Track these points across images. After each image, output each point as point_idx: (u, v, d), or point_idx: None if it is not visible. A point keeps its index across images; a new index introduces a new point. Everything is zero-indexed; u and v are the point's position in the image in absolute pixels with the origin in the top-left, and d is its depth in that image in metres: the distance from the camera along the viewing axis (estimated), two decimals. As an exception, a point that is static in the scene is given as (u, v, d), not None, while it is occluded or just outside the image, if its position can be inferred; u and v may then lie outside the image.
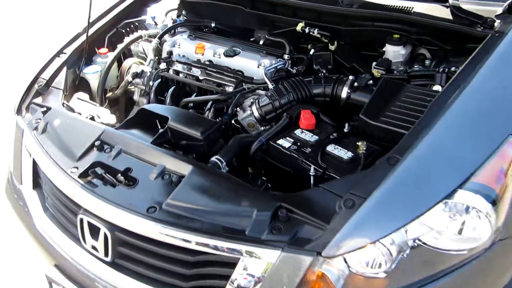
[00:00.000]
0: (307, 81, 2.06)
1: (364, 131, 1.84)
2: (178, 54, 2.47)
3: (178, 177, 1.61)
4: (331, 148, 1.76)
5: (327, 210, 1.41)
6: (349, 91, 1.99)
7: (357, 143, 1.75)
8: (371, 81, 1.99)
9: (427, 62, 2.18)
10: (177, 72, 2.44)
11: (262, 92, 2.17)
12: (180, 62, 2.38)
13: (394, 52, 2.28)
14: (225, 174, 1.64)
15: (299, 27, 2.45)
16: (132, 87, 2.46)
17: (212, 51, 2.43)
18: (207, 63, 2.38)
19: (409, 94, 1.87)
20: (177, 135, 1.85)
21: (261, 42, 2.72)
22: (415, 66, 2.16)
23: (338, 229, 1.35)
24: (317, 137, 1.82)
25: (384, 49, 2.31)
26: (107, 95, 2.46)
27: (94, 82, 2.45)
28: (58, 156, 1.81)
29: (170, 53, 2.48)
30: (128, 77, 2.35)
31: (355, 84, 1.97)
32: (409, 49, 2.28)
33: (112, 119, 2.06)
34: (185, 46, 2.52)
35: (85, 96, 2.30)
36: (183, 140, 1.85)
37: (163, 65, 2.48)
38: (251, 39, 2.66)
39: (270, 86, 2.08)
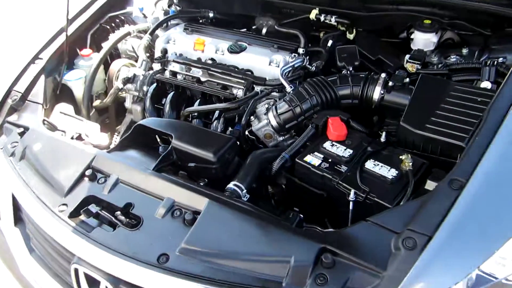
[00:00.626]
0: (331, 81, 1.76)
1: (405, 141, 1.56)
2: (175, 52, 2.15)
3: (192, 213, 1.33)
4: (370, 164, 1.48)
5: (381, 252, 1.15)
6: (382, 92, 1.70)
7: (400, 156, 1.47)
8: (407, 79, 1.71)
9: (464, 51, 1.89)
10: (174, 74, 2.13)
11: (277, 95, 1.88)
12: (177, 62, 2.06)
13: (425, 40, 1.98)
14: (250, 207, 1.35)
15: (313, 15, 2.14)
16: (123, 93, 2.14)
17: (214, 47, 2.12)
18: (210, 62, 2.06)
19: (455, 94, 1.59)
20: (184, 156, 1.56)
21: (264, 31, 2.42)
22: (452, 57, 1.88)
23: (400, 277, 1.09)
24: (351, 151, 1.54)
25: (412, 36, 2.03)
26: (94, 104, 2.14)
27: (78, 90, 2.12)
28: (42, 189, 1.51)
29: (165, 51, 2.15)
30: (118, 83, 2.03)
31: (390, 83, 1.68)
32: (439, 35, 2.00)
33: (103, 138, 1.75)
34: (181, 42, 2.19)
35: (69, 108, 1.98)
36: (192, 163, 1.56)
37: (156, 66, 2.17)
38: (253, 27, 2.36)
39: (288, 88, 1.78)
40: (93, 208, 1.38)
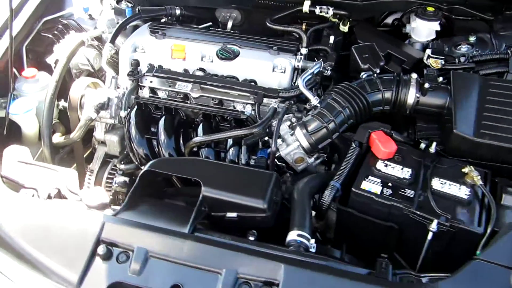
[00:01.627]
0: (360, 87, 1.55)
1: (459, 149, 1.43)
2: (149, 64, 1.74)
3: (266, 285, 1.05)
4: (437, 184, 1.32)
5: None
6: (418, 95, 1.54)
7: (463, 169, 1.34)
8: (441, 78, 1.56)
9: (471, 38, 1.80)
10: (153, 91, 1.73)
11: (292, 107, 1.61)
12: (158, 76, 1.67)
13: (428, 30, 1.86)
14: (329, 262, 1.11)
15: (306, 7, 1.89)
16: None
17: (199, 54, 1.76)
18: (199, 72, 1.70)
19: (495, 91, 1.49)
20: (221, 206, 1.24)
21: (229, 25, 2.11)
22: (463, 47, 1.78)
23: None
24: (409, 170, 1.36)
25: (413, 25, 1.89)
26: (56, 141, 1.66)
27: (28, 125, 1.62)
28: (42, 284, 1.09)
29: (137, 64, 1.73)
30: (90, 112, 1.58)
31: (426, 85, 1.52)
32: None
33: (101, 194, 1.32)
34: (153, 50, 1.79)
35: (24, 151, 1.49)
36: (232, 212, 1.25)
37: (126, 82, 1.74)
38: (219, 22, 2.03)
39: (314, 101, 1.53)
40: (128, 302, 1.03)
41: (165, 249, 1.12)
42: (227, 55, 1.74)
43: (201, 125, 1.59)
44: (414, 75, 1.57)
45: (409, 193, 1.30)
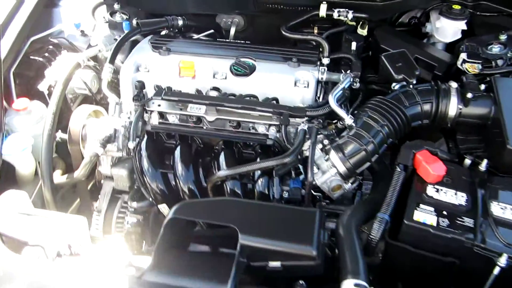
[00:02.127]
0: (396, 100, 1.40)
1: (512, 166, 1.30)
2: (156, 85, 1.56)
3: None
4: (496, 209, 1.18)
5: None
6: (460, 106, 1.40)
7: (522, 190, 1.21)
8: (482, 85, 1.42)
9: (502, 37, 1.66)
10: (161, 115, 1.55)
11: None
12: (169, 100, 1.49)
13: (455, 29, 1.73)
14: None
15: (323, 11, 1.73)
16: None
17: (211, 70, 1.58)
18: (214, 92, 1.53)
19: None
20: (262, 255, 1.08)
21: (232, 32, 1.94)
22: (494, 47, 1.64)
23: None
24: (464, 195, 1.22)
25: (437, 25, 1.75)
26: (57, 181, 1.47)
27: (24, 165, 1.43)
28: None
29: (142, 86, 1.55)
30: (96, 148, 1.39)
31: (469, 94, 1.38)
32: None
33: (126, 252, 1.14)
34: (157, 69, 1.61)
35: (23, 197, 1.31)
36: (275, 261, 1.09)
37: (129, 107, 1.57)
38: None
39: (348, 120, 1.37)
40: None
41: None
42: (243, 71, 1.57)
43: (222, 154, 1.42)
44: (454, 84, 1.43)
45: (468, 222, 1.17)
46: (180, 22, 1.80)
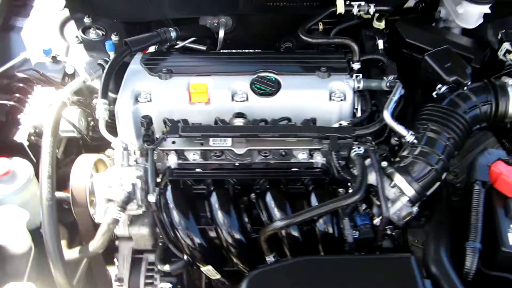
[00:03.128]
0: (453, 106, 1.25)
1: None
2: (166, 118, 1.30)
3: None
4: None
5: None
6: (522, 104, 1.28)
7: None
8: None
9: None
10: (179, 154, 1.30)
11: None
12: (189, 136, 1.24)
13: (479, 14, 1.60)
14: None
15: (341, 8, 1.53)
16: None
17: (228, 92, 1.35)
18: (240, 120, 1.30)
19: None
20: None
21: (221, 34, 1.71)
22: None
23: None
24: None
25: (460, 10, 1.61)
26: (68, 257, 1.18)
27: (18, 245, 1.14)
28: None
29: (150, 123, 1.28)
30: (114, 213, 1.12)
31: (528, 89, 1.26)
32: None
33: None
34: (162, 96, 1.35)
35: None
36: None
37: (133, 147, 1.30)
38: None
39: (410, 137, 1.20)
40: None
41: None
42: (267, 89, 1.35)
43: (269, 195, 1.21)
44: (509, 80, 1.30)
45: None
46: (174, 34, 1.52)
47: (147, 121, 1.26)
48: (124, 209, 1.14)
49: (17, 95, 1.35)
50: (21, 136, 1.28)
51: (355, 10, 1.53)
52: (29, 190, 1.21)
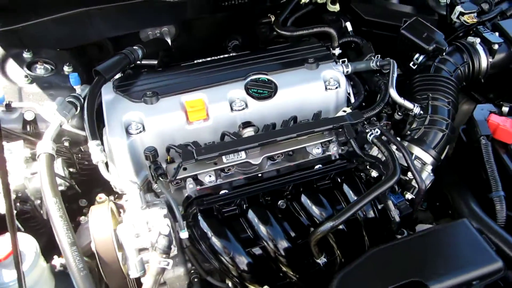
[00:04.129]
0: (440, 72, 1.35)
1: None
2: (171, 145, 1.19)
3: None
4: None
5: None
6: (490, 59, 1.43)
7: None
8: (497, 33, 1.47)
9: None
10: (195, 179, 1.20)
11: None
12: (204, 159, 1.15)
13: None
14: None
15: (304, -6, 1.55)
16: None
17: (226, 103, 1.29)
18: (248, 130, 1.24)
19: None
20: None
21: (169, 41, 1.65)
22: None
23: None
24: None
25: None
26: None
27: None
28: None
29: (155, 154, 1.16)
30: (162, 263, 0.98)
31: (495, 46, 1.41)
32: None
33: None
34: (155, 123, 1.24)
35: None
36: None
37: (136, 182, 1.18)
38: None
39: (416, 109, 1.27)
40: None
41: None
42: (266, 92, 1.32)
43: (303, 197, 1.19)
44: (477, 39, 1.45)
45: None
46: (140, 53, 1.40)
47: (153, 154, 1.16)
48: (169, 254, 1.03)
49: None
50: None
51: (317, -5, 1.57)
52: (38, 267, 1.03)
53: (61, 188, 1.23)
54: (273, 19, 1.70)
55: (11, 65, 1.37)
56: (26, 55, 1.42)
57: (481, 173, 1.27)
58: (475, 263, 0.97)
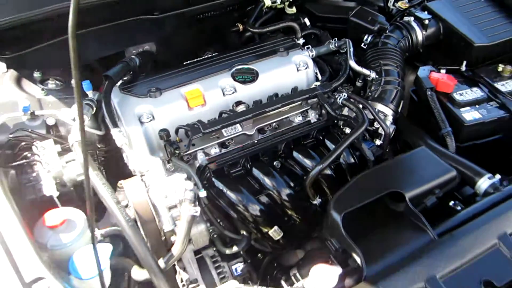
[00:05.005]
0: (385, 44, 1.71)
1: (478, 61, 1.77)
2: (179, 127, 1.44)
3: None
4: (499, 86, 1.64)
5: None
6: (424, 32, 1.79)
7: (498, 70, 1.69)
8: (426, 12, 1.85)
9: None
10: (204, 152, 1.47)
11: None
12: (211, 130, 1.40)
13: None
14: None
15: (267, 2, 1.86)
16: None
17: (218, 89, 1.57)
18: (241, 107, 1.52)
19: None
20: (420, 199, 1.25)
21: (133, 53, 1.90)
22: None
23: None
24: (476, 88, 1.63)
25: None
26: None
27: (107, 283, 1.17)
28: None
29: (168, 134, 1.40)
30: (192, 210, 1.21)
31: (426, 21, 1.78)
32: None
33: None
34: (162, 112, 1.49)
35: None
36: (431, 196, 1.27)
37: (155, 163, 1.42)
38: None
39: (373, 74, 1.61)
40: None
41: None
42: (249, 77, 1.61)
43: (295, 153, 1.48)
44: (411, 18, 1.81)
45: (495, 103, 1.59)
46: (137, 61, 1.66)
47: (166, 133, 1.41)
48: (195, 204, 1.27)
49: (25, 153, 1.34)
50: (49, 189, 1.28)
51: (278, 1, 1.89)
52: (86, 234, 1.24)
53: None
54: (241, 27, 2.02)
55: (27, 82, 1.59)
56: (36, 74, 1.65)
57: (431, 119, 1.60)
58: (435, 175, 1.27)
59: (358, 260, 1.09)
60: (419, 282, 1.05)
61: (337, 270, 1.10)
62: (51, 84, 1.62)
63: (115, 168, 1.62)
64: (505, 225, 1.16)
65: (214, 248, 1.45)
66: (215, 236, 1.46)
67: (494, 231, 1.15)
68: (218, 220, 1.43)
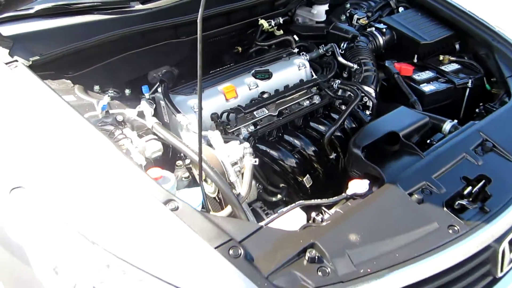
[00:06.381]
0: (357, 46, 2.34)
1: (429, 53, 2.45)
2: (231, 109, 1.94)
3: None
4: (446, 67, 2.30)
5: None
6: (384, 38, 2.45)
7: (440, 59, 2.38)
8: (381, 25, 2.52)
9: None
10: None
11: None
12: (250, 111, 1.93)
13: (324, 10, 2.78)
14: None
15: (266, 25, 2.45)
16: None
17: (246, 86, 2.09)
18: (266, 95, 2.05)
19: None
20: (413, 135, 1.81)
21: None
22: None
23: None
24: (428, 71, 2.29)
25: (314, 12, 2.75)
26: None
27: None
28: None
29: (219, 115, 1.90)
30: (252, 160, 1.67)
31: (384, 29, 2.45)
32: None
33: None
34: (209, 102, 1.97)
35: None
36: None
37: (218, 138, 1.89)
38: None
39: (356, 66, 2.22)
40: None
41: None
42: (266, 75, 2.15)
43: (313, 123, 2.03)
44: (373, 28, 2.47)
45: (443, 79, 2.24)
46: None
47: (216, 115, 1.91)
48: (254, 155, 1.74)
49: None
50: (139, 159, 1.69)
51: (273, 23, 2.48)
52: (175, 187, 1.65)
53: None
54: (240, 49, 2.58)
55: (91, 92, 2.01)
56: (96, 87, 2.07)
57: (399, 96, 2.21)
58: (416, 120, 1.85)
59: (378, 173, 1.61)
60: (421, 181, 1.58)
61: (366, 181, 1.60)
62: (110, 93, 2.04)
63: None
64: (466, 144, 1.74)
65: (261, 202, 1.91)
66: (260, 191, 1.92)
67: (461, 148, 1.72)
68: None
